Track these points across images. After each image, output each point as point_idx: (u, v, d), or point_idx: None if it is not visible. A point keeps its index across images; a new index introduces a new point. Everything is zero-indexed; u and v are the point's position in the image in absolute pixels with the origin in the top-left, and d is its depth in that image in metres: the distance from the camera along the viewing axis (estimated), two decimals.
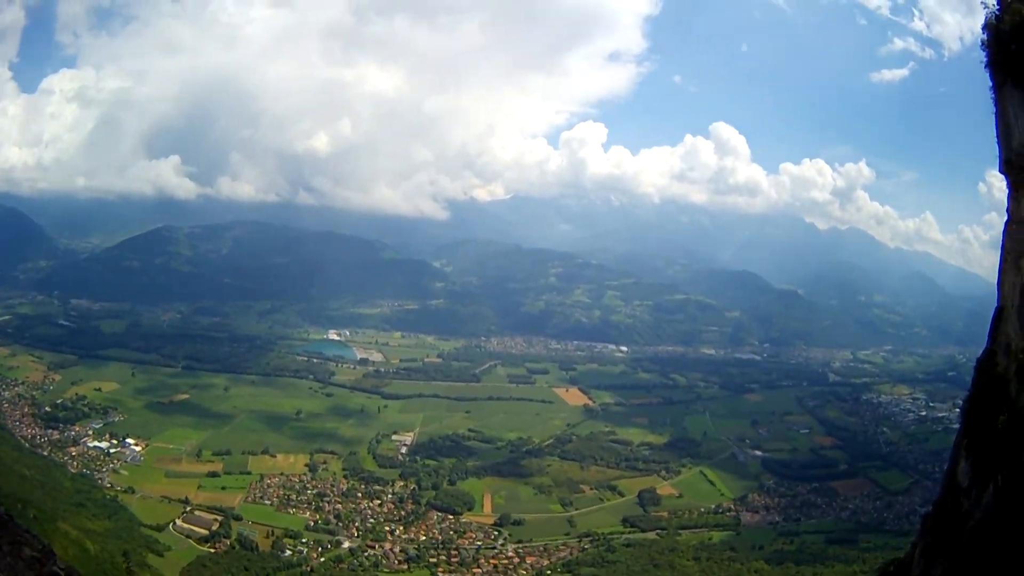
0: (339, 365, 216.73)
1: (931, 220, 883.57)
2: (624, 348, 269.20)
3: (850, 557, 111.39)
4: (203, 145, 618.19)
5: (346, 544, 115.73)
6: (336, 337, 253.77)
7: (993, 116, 44.26)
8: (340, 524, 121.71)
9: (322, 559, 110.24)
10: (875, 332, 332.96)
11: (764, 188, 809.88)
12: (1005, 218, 48.47)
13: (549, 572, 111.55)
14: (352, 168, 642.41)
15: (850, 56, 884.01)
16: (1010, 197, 45.92)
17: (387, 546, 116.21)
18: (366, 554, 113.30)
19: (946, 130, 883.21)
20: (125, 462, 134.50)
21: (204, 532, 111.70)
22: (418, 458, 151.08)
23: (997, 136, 43.14)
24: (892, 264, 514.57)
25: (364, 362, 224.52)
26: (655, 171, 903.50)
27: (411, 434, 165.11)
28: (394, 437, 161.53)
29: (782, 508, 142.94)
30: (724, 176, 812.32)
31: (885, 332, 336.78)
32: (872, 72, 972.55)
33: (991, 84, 43.00)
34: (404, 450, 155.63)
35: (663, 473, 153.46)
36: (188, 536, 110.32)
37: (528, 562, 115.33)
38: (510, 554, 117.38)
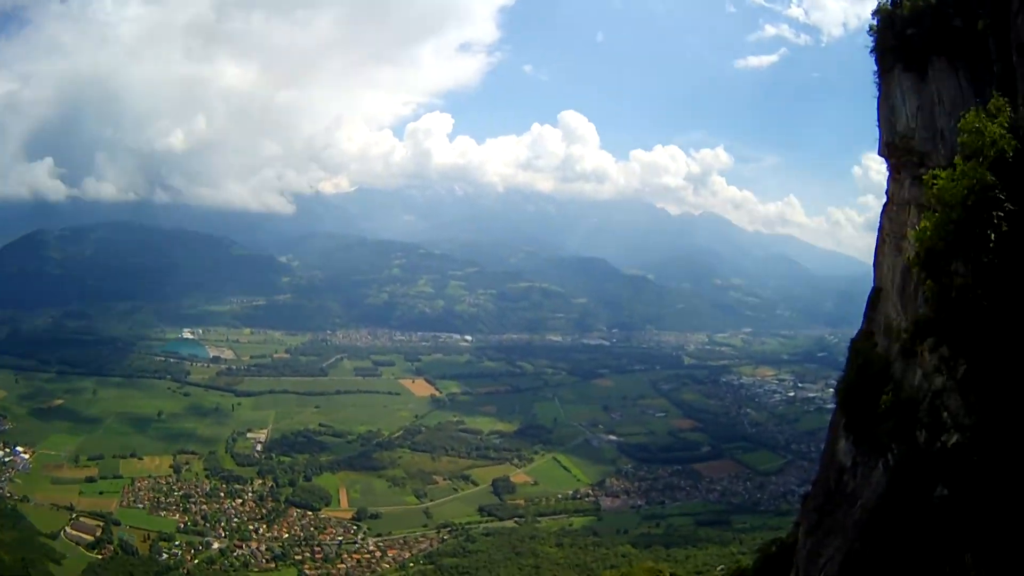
0: (193, 364, 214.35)
1: (795, 203, 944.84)
2: (469, 337, 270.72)
3: (725, 538, 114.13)
4: (73, 146, 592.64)
5: (215, 545, 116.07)
6: (190, 335, 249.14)
7: (875, 100, 45.08)
8: (208, 525, 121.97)
9: (195, 561, 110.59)
10: (733, 315, 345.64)
11: (613, 175, 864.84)
12: (884, 200, 49.81)
13: (412, 564, 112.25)
14: (205, 165, 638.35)
15: (715, 43, 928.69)
16: (890, 179, 47.24)
17: (253, 545, 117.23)
18: (235, 554, 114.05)
19: (817, 115, 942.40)
20: (17, 471, 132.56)
21: (90, 539, 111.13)
22: (273, 455, 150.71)
23: (879, 120, 44.02)
24: (750, 247, 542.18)
25: (217, 360, 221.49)
26: (500, 160, 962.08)
27: (265, 431, 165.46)
28: (249, 435, 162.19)
29: (643, 492, 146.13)
30: (571, 164, 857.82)
31: (743, 315, 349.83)
32: (738, 59, 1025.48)
33: (876, 69, 43.70)
34: (259, 447, 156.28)
35: (515, 461, 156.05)
36: (77, 543, 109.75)
37: (390, 555, 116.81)
38: (371, 548, 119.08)
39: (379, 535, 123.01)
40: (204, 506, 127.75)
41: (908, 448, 25.02)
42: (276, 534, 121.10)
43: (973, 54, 30.05)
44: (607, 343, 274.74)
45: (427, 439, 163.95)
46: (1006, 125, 17.55)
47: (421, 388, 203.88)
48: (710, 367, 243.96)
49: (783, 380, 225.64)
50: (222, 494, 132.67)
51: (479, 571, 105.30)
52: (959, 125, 18.52)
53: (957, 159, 17.89)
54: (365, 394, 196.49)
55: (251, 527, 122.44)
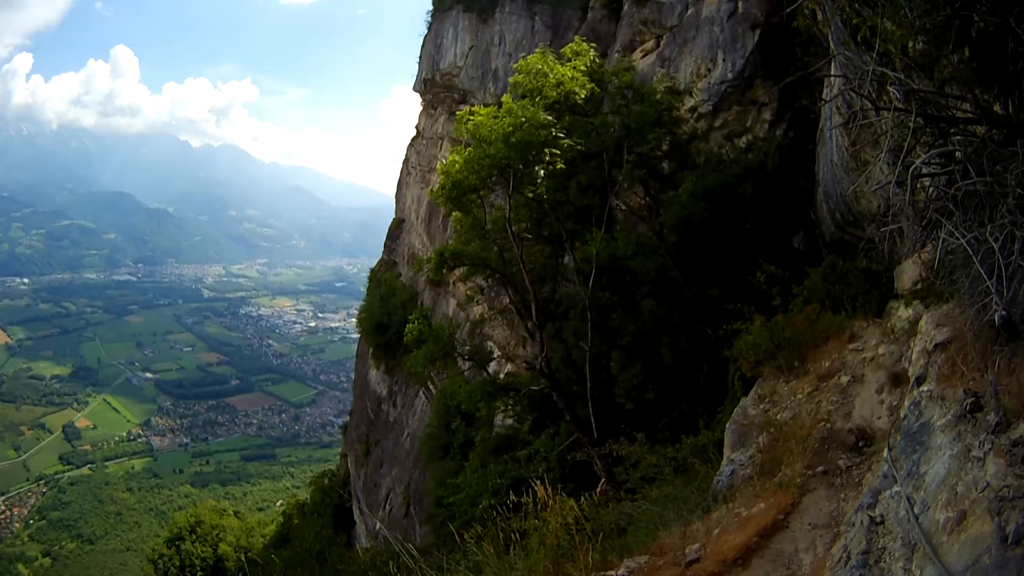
0: None
1: (317, 134, 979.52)
2: (27, 280, 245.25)
3: (275, 472, 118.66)
4: None
5: None
6: None
7: (420, 39, 45.09)
8: None
9: None
10: (248, 246, 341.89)
11: (145, 109, 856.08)
12: (413, 134, 50.95)
13: (32, 521, 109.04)
14: None
15: None
16: (422, 114, 48.65)
17: None
18: None
19: (353, 50, 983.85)
20: None
21: None
22: None
23: (420, 57, 44.57)
24: (266, 179, 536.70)
25: None
26: (59, 98, 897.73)
27: None
28: None
29: (187, 429, 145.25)
30: (112, 99, 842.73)
31: (259, 246, 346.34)
32: None
33: (431, 9, 43.68)
34: None
35: (75, 405, 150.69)
36: None
37: (15, 513, 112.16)
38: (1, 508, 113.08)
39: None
40: None
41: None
42: None
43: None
44: (134, 278, 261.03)
45: (9, 389, 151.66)
46: (583, 68, 18.03)
47: None
48: (229, 299, 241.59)
49: (302, 311, 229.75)
50: None
51: (78, 523, 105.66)
52: (515, 65, 18.45)
53: (505, 97, 17.95)
54: None
55: None
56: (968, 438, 4.87)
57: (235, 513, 75.59)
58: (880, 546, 5.00)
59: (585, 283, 17.12)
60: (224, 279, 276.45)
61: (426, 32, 42.35)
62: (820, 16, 11.72)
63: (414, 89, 45.40)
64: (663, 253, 17.64)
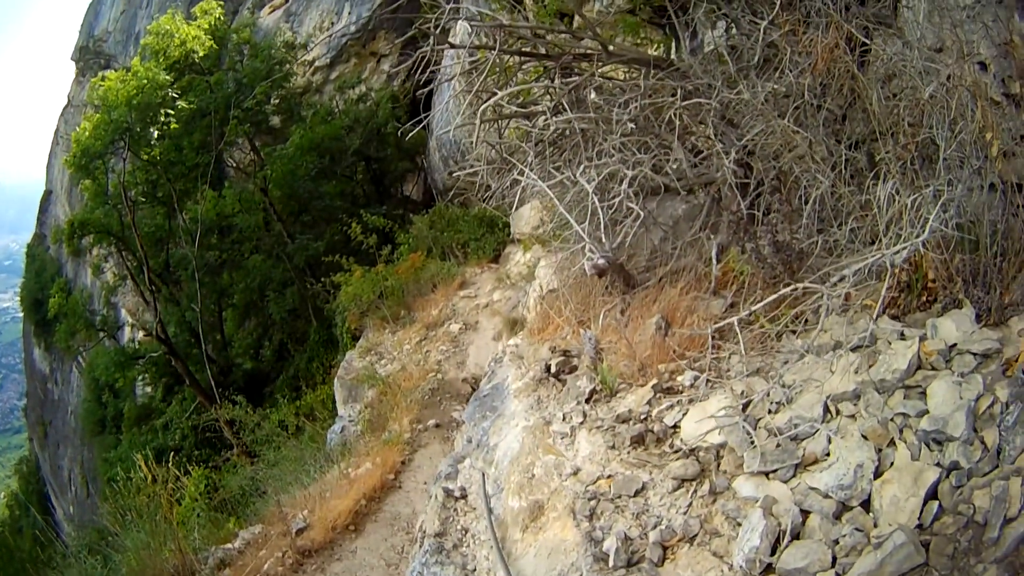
0: None
1: None
2: None
3: None
4: None
5: None
6: None
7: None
8: None
9: None
10: None
11: None
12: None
13: None
14: None
15: None
16: (75, 83, 44.36)
17: None
18: None
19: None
20: None
21: None
22: None
23: (81, 25, 40.68)
24: None
25: None
26: None
27: None
28: None
29: None
30: None
31: None
32: None
33: None
34: None
35: None
36: None
37: None
38: None
39: None
40: None
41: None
42: None
43: None
44: None
45: None
46: (205, 27, 18.19)
47: None
48: None
49: None
50: None
51: None
52: (148, 27, 18.49)
53: (135, 60, 17.84)
54: None
55: None
56: (551, 406, 4.22)
57: None
58: (461, 527, 4.13)
59: (194, 243, 16.98)
60: None
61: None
62: None
63: (72, 58, 43.20)
64: (267, 208, 17.84)
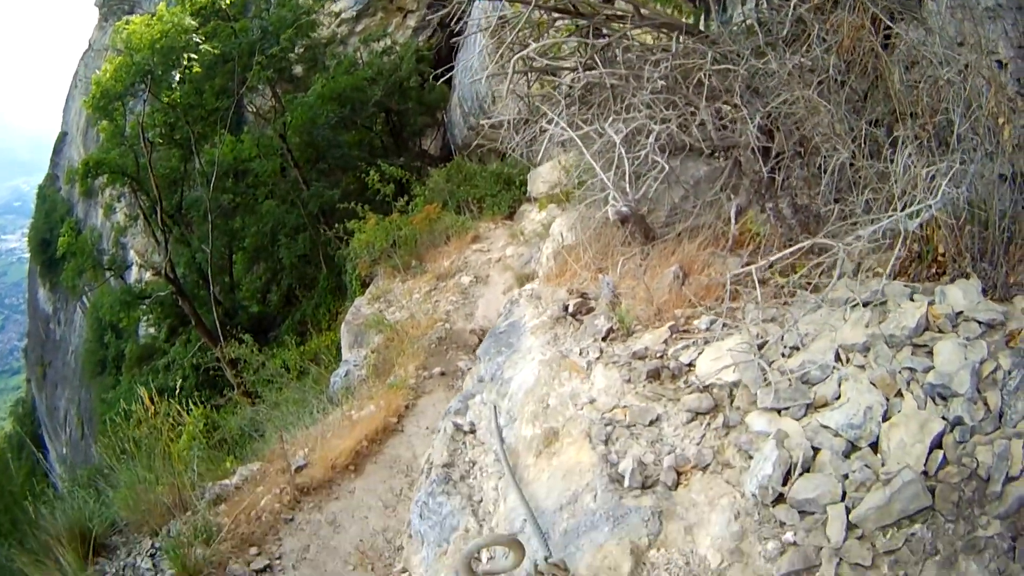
0: None
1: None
2: None
3: None
4: None
5: None
6: None
7: None
8: None
9: None
10: None
11: None
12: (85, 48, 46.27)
13: None
14: None
15: None
16: (97, 28, 43.42)
17: None
18: None
19: None
20: None
21: None
22: None
23: None
24: None
25: None
26: None
27: None
28: None
29: None
30: None
31: None
32: None
33: None
34: None
35: None
36: None
37: None
38: None
39: None
40: None
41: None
42: None
43: None
44: None
45: None
46: None
47: None
48: None
49: None
50: None
51: None
52: None
53: (161, 5, 17.79)
54: None
55: None
56: (567, 343, 4.32)
57: None
58: (469, 459, 4.32)
59: (208, 185, 17.07)
60: None
61: None
62: None
63: (95, 3, 42.75)
64: (285, 154, 17.87)
